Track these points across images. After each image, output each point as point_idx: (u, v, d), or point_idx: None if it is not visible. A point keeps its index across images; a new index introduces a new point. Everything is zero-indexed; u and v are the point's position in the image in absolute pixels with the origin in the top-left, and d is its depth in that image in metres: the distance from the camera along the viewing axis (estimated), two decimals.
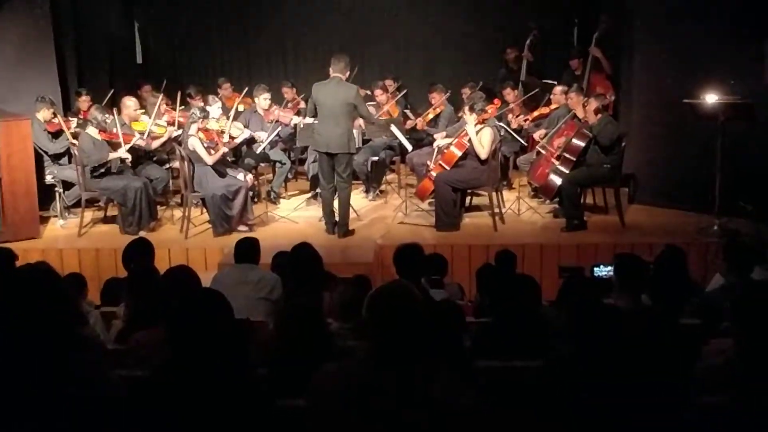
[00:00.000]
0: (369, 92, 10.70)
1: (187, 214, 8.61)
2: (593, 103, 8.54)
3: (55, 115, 9.34)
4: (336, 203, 8.46)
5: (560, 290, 5.49)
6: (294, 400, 3.09)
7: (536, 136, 9.52)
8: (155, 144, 9.35)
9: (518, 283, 4.49)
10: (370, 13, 12.72)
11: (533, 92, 10.69)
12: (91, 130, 8.65)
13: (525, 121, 10.15)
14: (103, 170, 8.63)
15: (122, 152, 8.66)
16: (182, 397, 2.72)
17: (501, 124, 9.32)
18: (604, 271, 5.75)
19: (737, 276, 5.01)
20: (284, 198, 10.21)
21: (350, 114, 8.25)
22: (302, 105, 11.04)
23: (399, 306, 2.83)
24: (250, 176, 9.02)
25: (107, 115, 8.83)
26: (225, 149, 8.74)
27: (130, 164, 8.77)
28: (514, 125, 10.05)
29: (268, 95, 10.17)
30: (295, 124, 9.85)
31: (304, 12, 12.85)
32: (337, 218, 8.46)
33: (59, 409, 2.74)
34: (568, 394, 3.27)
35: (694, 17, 8.69)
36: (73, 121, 9.44)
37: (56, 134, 9.39)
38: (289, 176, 10.56)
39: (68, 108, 10.30)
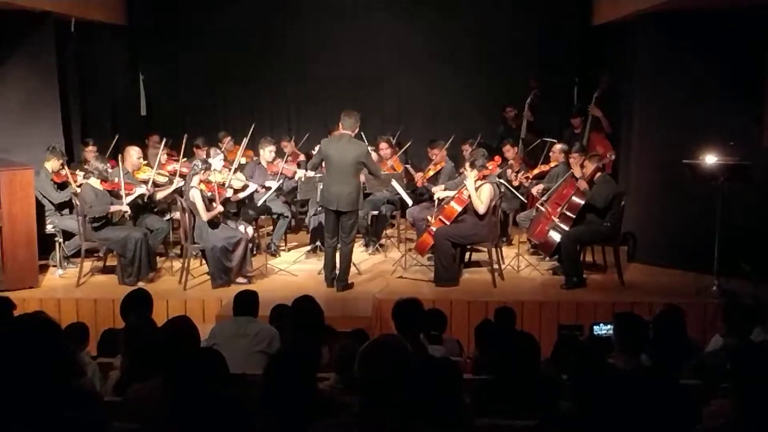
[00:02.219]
0: (372, 148, 10.77)
1: (186, 265, 8.61)
2: (590, 165, 8.59)
3: (63, 166, 9.39)
4: (338, 258, 8.48)
5: (555, 349, 5.48)
6: None
7: (534, 191, 9.59)
8: (160, 195, 9.39)
9: (517, 340, 4.47)
10: (372, 70, 12.84)
11: (532, 147, 10.77)
12: (93, 181, 8.69)
13: (525, 178, 10.21)
14: (104, 221, 8.65)
15: (124, 206, 8.68)
16: None
17: (501, 180, 9.38)
18: (603, 329, 5.73)
19: (737, 337, 4.99)
20: (284, 250, 10.22)
21: (359, 172, 8.30)
22: (301, 158, 11.12)
23: (390, 361, 2.82)
24: (250, 228, 9.03)
25: (108, 165, 8.88)
26: (221, 208, 8.74)
27: (129, 218, 8.77)
28: (515, 182, 10.11)
29: (273, 147, 10.25)
30: (298, 177, 9.90)
31: (306, 67, 13.01)
32: (337, 272, 8.47)
33: None
34: None
35: (693, 79, 8.81)
36: (80, 175, 9.47)
37: (61, 185, 9.43)
38: (292, 224, 10.58)
39: (72, 158, 10.35)
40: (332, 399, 3.75)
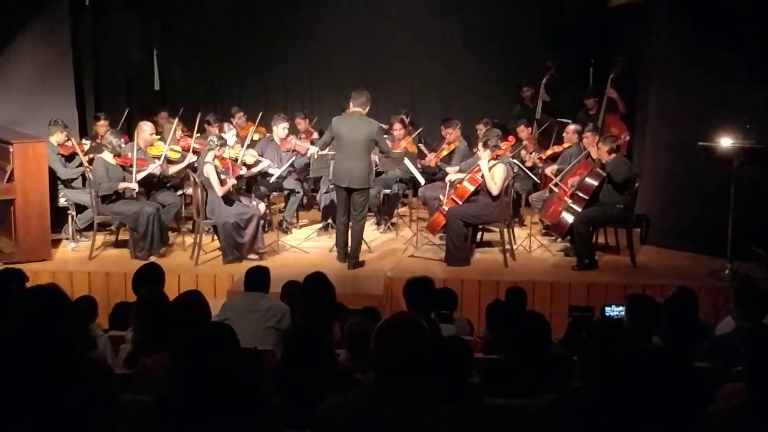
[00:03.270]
0: (385, 126, 10.74)
1: (198, 240, 8.62)
2: (605, 146, 8.53)
3: (68, 138, 9.39)
4: (349, 235, 8.50)
5: (567, 330, 5.47)
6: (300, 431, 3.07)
7: (548, 171, 9.55)
8: (172, 170, 9.40)
9: (528, 320, 4.46)
10: (386, 48, 12.80)
11: (545, 128, 10.72)
12: (106, 155, 8.70)
13: (539, 159, 10.16)
14: (114, 196, 8.65)
15: (133, 183, 8.68)
16: (190, 426, 2.70)
17: (515, 161, 9.34)
18: (615, 311, 5.71)
19: (749, 321, 4.96)
20: (296, 228, 10.23)
21: (370, 149, 8.32)
22: (315, 136, 11.09)
23: (407, 338, 2.81)
24: (262, 205, 9.04)
25: (122, 140, 8.88)
26: (234, 182, 8.76)
27: (135, 196, 8.74)
28: (529, 163, 10.06)
29: (286, 125, 10.24)
30: (311, 155, 9.89)
31: (321, 45, 12.97)
32: (348, 249, 8.48)
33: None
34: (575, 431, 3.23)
35: (710, 61, 8.71)
36: (86, 144, 9.49)
37: (69, 157, 9.44)
38: (304, 201, 10.59)
39: (84, 132, 10.36)
40: (349, 374, 3.76)
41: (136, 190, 8.70)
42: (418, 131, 11.09)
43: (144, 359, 4.14)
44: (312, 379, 3.46)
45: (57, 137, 9.31)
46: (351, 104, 8.43)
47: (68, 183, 9.32)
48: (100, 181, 8.56)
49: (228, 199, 8.60)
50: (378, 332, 2.87)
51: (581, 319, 6.06)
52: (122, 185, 8.66)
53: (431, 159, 10.47)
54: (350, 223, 8.43)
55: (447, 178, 9.09)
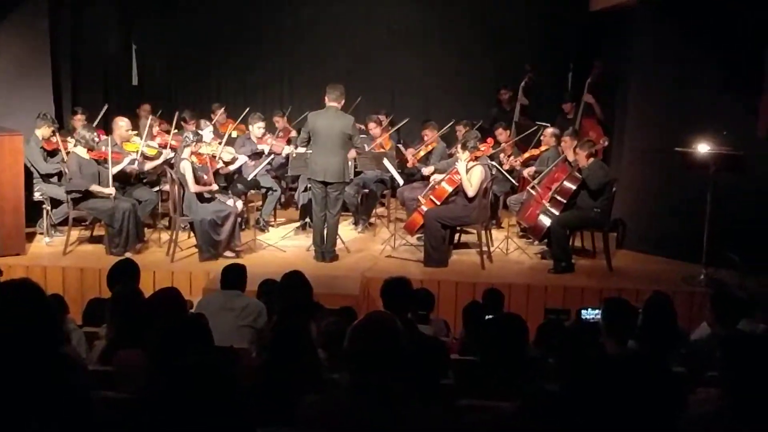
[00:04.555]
0: (362, 126, 10.73)
1: (174, 237, 8.57)
2: (582, 151, 8.55)
3: (54, 133, 9.33)
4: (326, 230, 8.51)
5: (538, 331, 5.47)
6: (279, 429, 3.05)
7: (526, 173, 9.58)
8: (148, 166, 9.34)
9: (505, 321, 4.45)
10: (367, 48, 12.80)
11: (525, 133, 10.75)
12: (79, 150, 8.62)
13: (516, 161, 10.20)
14: (81, 194, 8.55)
15: (109, 189, 8.58)
16: (164, 421, 2.67)
17: (493, 163, 9.36)
18: (591, 314, 5.73)
19: (725, 327, 4.99)
20: (273, 226, 10.19)
21: (346, 144, 8.34)
22: (293, 134, 11.07)
23: (381, 338, 2.81)
24: (240, 202, 9.00)
25: (95, 134, 8.81)
26: (215, 187, 8.74)
27: (114, 198, 8.64)
28: (506, 166, 10.09)
29: (262, 124, 10.21)
30: (286, 154, 9.87)
31: (302, 44, 12.95)
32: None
33: (39, 428, 2.68)
34: None
35: (688, 67, 8.76)
36: (71, 142, 9.42)
37: (51, 153, 9.37)
38: (281, 199, 10.56)
39: (61, 126, 10.28)
40: (325, 373, 3.76)
41: (113, 195, 8.59)
42: (397, 128, 11.09)
43: (118, 354, 4.10)
44: (293, 377, 3.44)
45: (43, 131, 9.25)
46: (326, 98, 8.45)
47: (46, 178, 9.24)
48: (72, 176, 8.47)
49: (205, 196, 8.56)
50: (353, 331, 2.86)
51: (552, 322, 6.07)
52: (95, 188, 8.55)
53: (409, 160, 10.48)
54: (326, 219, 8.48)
55: (426, 171, 9.11)
